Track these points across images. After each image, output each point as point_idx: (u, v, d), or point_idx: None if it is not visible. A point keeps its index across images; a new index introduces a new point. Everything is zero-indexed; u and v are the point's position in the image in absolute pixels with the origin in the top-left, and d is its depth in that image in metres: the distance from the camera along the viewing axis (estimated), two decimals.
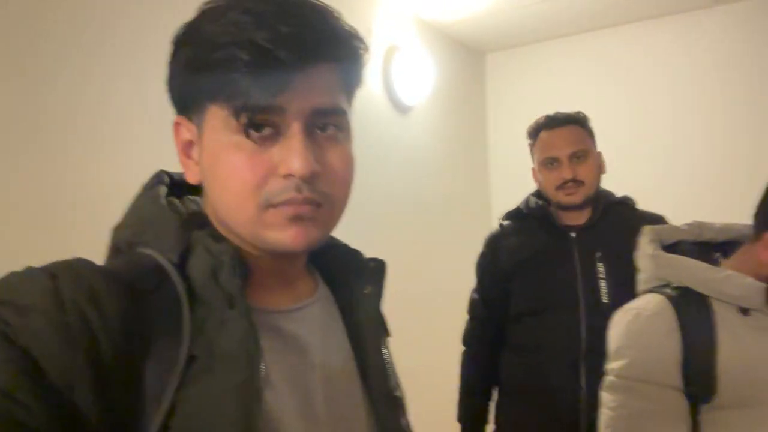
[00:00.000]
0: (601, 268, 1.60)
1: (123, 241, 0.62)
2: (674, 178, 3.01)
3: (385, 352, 0.73)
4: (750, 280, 1.06)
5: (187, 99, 0.61)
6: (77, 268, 0.54)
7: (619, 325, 1.17)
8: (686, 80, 3.05)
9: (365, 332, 0.71)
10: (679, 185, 2.97)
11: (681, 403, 1.05)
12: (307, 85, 0.57)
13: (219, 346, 0.55)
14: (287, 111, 0.56)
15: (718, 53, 2.96)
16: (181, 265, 0.58)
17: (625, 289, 1.43)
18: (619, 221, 1.64)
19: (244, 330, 0.55)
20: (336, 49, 0.59)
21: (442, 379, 2.03)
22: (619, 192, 1.80)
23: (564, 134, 1.66)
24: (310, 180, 0.57)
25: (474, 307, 1.85)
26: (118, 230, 0.64)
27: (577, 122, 1.68)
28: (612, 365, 1.14)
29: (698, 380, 1.05)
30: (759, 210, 1.13)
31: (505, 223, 1.81)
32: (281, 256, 0.63)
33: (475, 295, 1.85)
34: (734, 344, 1.05)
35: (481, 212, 3.39)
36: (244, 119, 0.56)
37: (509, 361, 1.75)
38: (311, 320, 0.67)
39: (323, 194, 0.59)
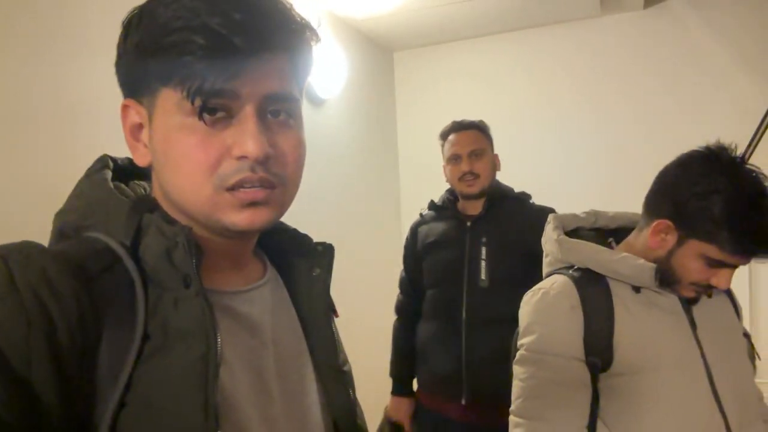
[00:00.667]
0: (483, 251, 1.92)
1: (69, 225, 0.62)
2: (567, 172, 3.24)
3: (333, 330, 0.76)
4: (641, 261, 1.17)
5: (137, 82, 0.61)
6: (26, 250, 0.53)
7: (528, 304, 1.25)
8: (579, 83, 3.28)
9: (314, 312, 0.75)
10: (571, 180, 3.20)
11: (583, 373, 1.15)
12: (260, 71, 0.58)
13: (174, 325, 0.56)
14: (241, 96, 0.58)
15: (607, 58, 3.21)
16: (131, 248, 0.58)
17: (500, 269, 1.90)
18: (507, 213, 1.98)
19: (200, 307, 0.57)
20: (288, 38, 0.61)
21: (373, 342, 2.33)
22: (514, 184, 2.08)
23: (466, 136, 2.00)
24: (263, 162, 0.59)
25: (402, 284, 2.19)
26: (63, 215, 0.63)
27: (478, 128, 2.03)
28: (522, 341, 1.23)
29: (598, 351, 1.15)
30: (648, 200, 1.25)
31: (425, 212, 2.15)
32: (233, 238, 0.65)
33: (403, 274, 2.19)
34: (628, 319, 1.17)
35: (391, 199, 3.54)
36: (198, 102, 0.56)
37: (420, 328, 2.08)
38: (262, 301, 0.70)
39: (276, 175, 0.61)
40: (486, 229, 1.95)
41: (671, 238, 1.17)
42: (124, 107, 0.63)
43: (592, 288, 1.20)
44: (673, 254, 1.17)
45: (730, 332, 1.27)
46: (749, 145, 2.29)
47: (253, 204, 0.60)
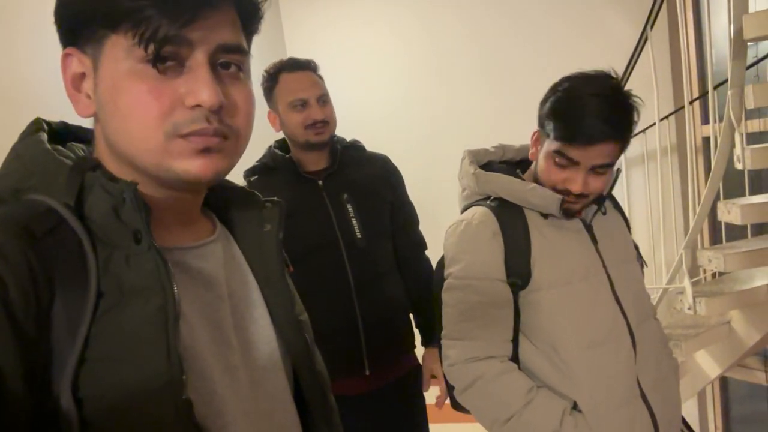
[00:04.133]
0: (350, 208, 1.73)
1: (7, 190, 0.59)
2: (460, 112, 3.37)
3: (288, 282, 0.78)
4: (549, 192, 1.26)
5: (81, 29, 0.59)
6: None
7: (453, 236, 1.34)
8: (464, 23, 3.38)
9: (268, 267, 0.76)
10: (463, 118, 3.34)
11: (507, 292, 1.26)
12: (213, 20, 0.58)
13: (128, 281, 0.56)
14: (194, 44, 0.57)
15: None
16: (76, 208, 0.58)
17: (372, 222, 1.75)
18: (355, 164, 1.79)
19: (153, 261, 0.57)
20: None
21: None
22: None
23: (308, 78, 1.72)
24: (217, 111, 0.59)
25: None
26: (0, 180, 0.61)
27: (314, 69, 1.76)
28: (450, 270, 1.32)
29: (517, 272, 1.26)
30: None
31: (253, 179, 1.77)
32: (184, 189, 0.64)
33: None
34: (542, 241, 1.28)
35: None
36: (151, 49, 0.55)
37: None
38: (214, 256, 0.70)
39: (229, 126, 0.61)
40: (343, 184, 1.74)
41: (538, 146, 1.30)
42: (66, 56, 0.61)
43: (509, 216, 1.30)
44: (538, 160, 1.30)
45: (623, 244, 1.43)
46: (625, 71, 2.51)
47: (206, 151, 0.59)
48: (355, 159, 1.80)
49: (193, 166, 0.59)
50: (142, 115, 0.57)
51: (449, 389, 1.37)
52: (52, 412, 0.52)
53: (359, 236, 1.72)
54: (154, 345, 0.55)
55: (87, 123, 0.67)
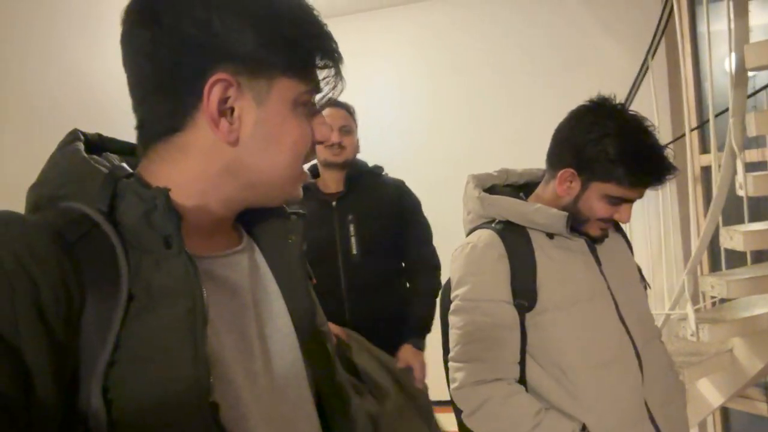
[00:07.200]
0: (352, 228, 2.06)
1: (43, 197, 0.61)
2: (473, 136, 3.41)
3: (311, 293, 0.80)
4: (554, 210, 1.29)
5: (260, 64, 0.63)
6: (4, 218, 0.54)
7: (459, 258, 1.35)
8: (461, 56, 3.44)
9: (292, 277, 0.78)
10: (476, 142, 3.37)
11: (513, 314, 1.27)
12: None
13: (157, 285, 0.57)
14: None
15: (491, 30, 3.39)
16: (108, 214, 0.59)
17: (369, 240, 2.07)
18: (366, 189, 2.13)
19: (183, 266, 0.58)
20: None
21: None
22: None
23: (339, 113, 2.11)
24: None
25: None
26: (37, 187, 0.62)
27: (348, 110, 2.15)
28: (456, 292, 1.32)
29: (524, 293, 1.27)
30: (550, 154, 1.38)
31: None
32: (271, 206, 0.75)
33: None
34: (547, 262, 1.29)
35: None
36: (317, 101, 0.68)
37: None
38: (240, 266, 0.72)
39: None
40: (351, 207, 2.08)
41: (576, 185, 1.30)
42: (219, 81, 0.61)
43: (514, 238, 1.31)
44: (579, 198, 1.31)
45: (626, 265, 1.44)
46: (626, 99, 2.54)
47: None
48: (368, 184, 2.13)
49: (300, 190, 0.72)
50: (301, 149, 0.67)
51: (456, 413, 1.36)
52: (81, 413, 0.52)
53: (354, 252, 2.04)
54: (182, 347, 0.56)
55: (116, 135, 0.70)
